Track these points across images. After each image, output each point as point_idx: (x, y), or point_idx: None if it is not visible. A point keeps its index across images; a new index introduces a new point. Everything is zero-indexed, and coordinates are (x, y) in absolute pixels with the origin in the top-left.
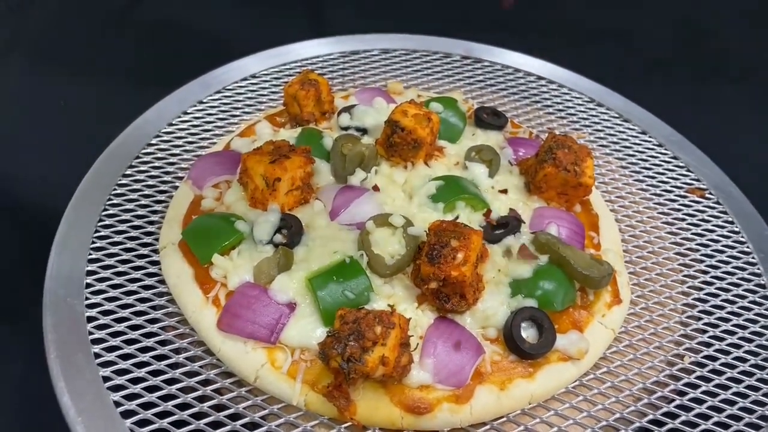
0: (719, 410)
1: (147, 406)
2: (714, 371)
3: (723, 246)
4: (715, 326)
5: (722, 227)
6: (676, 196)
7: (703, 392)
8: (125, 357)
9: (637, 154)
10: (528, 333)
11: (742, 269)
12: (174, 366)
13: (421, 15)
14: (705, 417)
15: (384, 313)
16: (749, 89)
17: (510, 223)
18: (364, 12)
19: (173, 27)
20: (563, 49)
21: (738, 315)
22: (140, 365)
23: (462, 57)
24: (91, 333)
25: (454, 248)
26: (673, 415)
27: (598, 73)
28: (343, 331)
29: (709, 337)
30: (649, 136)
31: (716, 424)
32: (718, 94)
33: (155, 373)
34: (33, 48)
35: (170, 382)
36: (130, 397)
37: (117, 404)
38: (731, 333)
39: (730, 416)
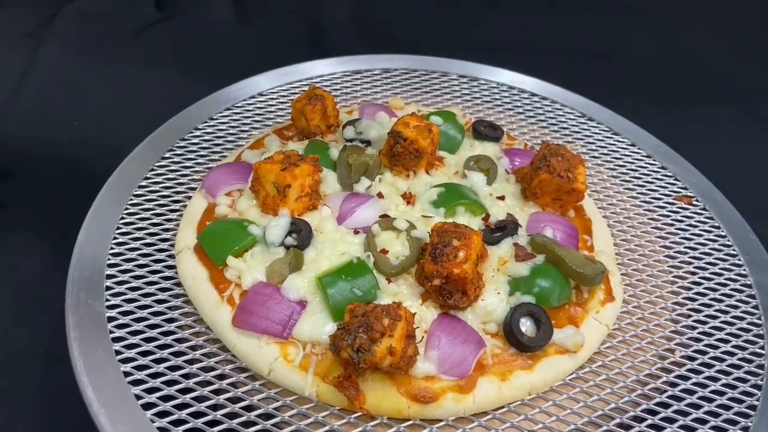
0: (709, 400)
1: (166, 398)
2: (704, 364)
3: (710, 249)
4: (704, 323)
5: (709, 231)
6: (664, 203)
7: (694, 384)
8: (144, 354)
9: (626, 164)
10: (526, 327)
11: (729, 270)
12: (191, 362)
13: (419, 40)
14: (696, 407)
15: (391, 306)
16: (732, 107)
17: (508, 226)
18: (364, 40)
19: (187, 42)
20: (553, 71)
21: (726, 312)
22: (159, 361)
23: None
24: (111, 332)
25: (456, 247)
26: (665, 405)
27: (586, 93)
28: (352, 324)
29: (699, 332)
30: (638, 148)
31: (707, 413)
32: (702, 111)
33: (173, 369)
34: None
35: (187, 376)
36: (150, 391)
37: (138, 397)
38: (720, 329)
39: (720, 406)
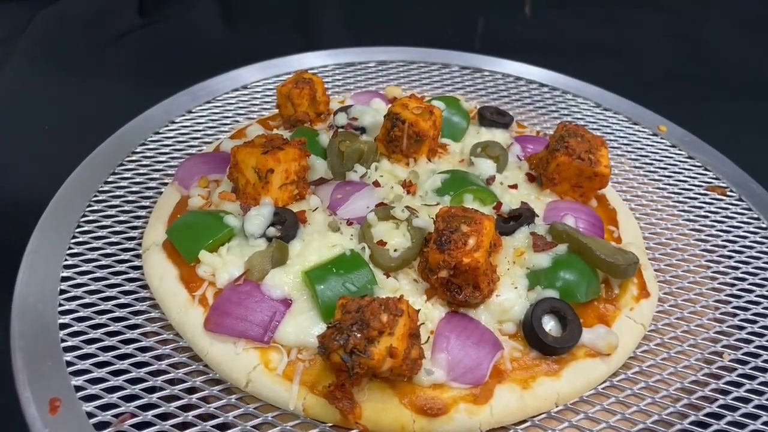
0: None
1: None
2: (757, 368)
3: (752, 242)
4: (753, 322)
5: (749, 223)
6: (695, 194)
7: (749, 390)
8: (100, 365)
9: (650, 154)
10: (550, 326)
11: None
12: (155, 374)
13: (418, 37)
14: (753, 417)
15: (391, 299)
16: (753, 102)
17: (523, 215)
18: (359, 38)
19: (171, 48)
20: (563, 68)
21: None
22: (117, 373)
23: None
24: (63, 340)
25: (465, 233)
26: (717, 416)
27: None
28: (345, 321)
29: (748, 333)
30: (662, 138)
31: (766, 423)
32: (721, 107)
33: (134, 382)
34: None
35: (151, 391)
36: (105, 407)
37: (90, 415)
38: None
39: None
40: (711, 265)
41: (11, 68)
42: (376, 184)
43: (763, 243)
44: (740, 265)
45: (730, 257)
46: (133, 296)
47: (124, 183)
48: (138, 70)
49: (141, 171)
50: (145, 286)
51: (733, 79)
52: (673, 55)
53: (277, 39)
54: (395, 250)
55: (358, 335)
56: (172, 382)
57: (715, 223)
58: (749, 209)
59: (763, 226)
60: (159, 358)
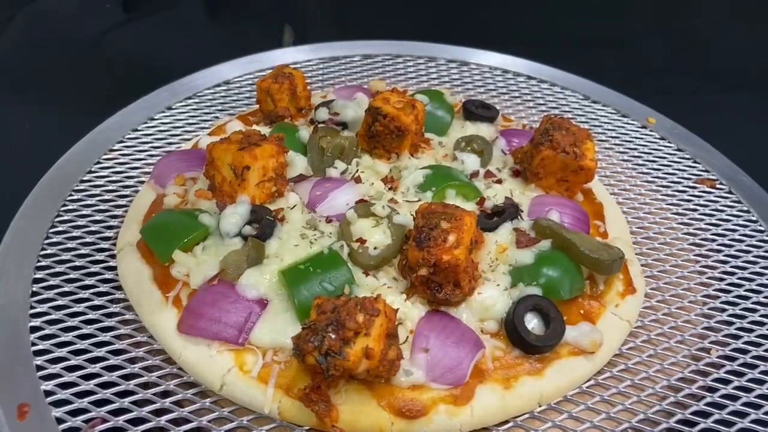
0: (756, 406)
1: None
2: (746, 365)
3: (741, 235)
4: (742, 317)
5: (738, 216)
6: (684, 187)
7: (736, 388)
8: (72, 369)
9: (639, 147)
10: (533, 324)
11: (765, 258)
12: (128, 377)
13: (404, 33)
14: (741, 415)
15: (367, 299)
16: (746, 93)
17: (507, 210)
18: (345, 30)
19: (150, 51)
20: (552, 61)
21: (766, 305)
22: (88, 377)
23: None
24: (33, 344)
25: (445, 230)
26: (704, 414)
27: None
28: (320, 322)
29: (737, 329)
30: (650, 130)
31: (755, 422)
32: (714, 99)
33: (106, 386)
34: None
35: (123, 395)
36: (75, 413)
37: (59, 420)
38: (760, 324)
39: None
40: (699, 259)
41: None
42: (357, 180)
43: (752, 236)
44: (729, 259)
45: (719, 251)
46: (107, 298)
47: (100, 182)
48: (121, 67)
49: (118, 169)
50: (119, 288)
51: (724, 71)
52: (662, 46)
53: (264, 33)
54: (375, 248)
55: (333, 336)
56: (145, 385)
57: (704, 217)
58: (739, 202)
59: (753, 219)
60: (132, 361)
